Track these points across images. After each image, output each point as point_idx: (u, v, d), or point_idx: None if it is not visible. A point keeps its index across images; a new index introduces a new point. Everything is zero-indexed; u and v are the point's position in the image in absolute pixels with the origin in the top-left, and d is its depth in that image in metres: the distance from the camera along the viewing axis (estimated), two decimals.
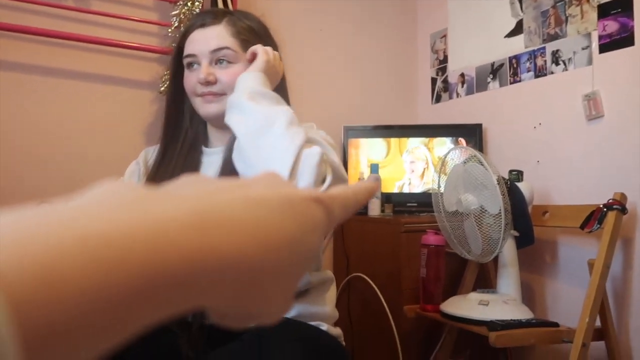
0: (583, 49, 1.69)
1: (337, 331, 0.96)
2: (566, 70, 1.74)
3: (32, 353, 0.14)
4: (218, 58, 0.95)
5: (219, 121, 0.92)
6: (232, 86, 0.90)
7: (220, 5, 1.64)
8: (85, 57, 1.65)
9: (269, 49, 0.97)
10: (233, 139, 0.86)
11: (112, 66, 1.68)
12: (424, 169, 2.06)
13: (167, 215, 0.18)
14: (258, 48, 0.95)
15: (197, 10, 1.65)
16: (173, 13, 1.68)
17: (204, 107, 0.96)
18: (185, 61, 0.98)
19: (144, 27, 1.72)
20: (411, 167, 2.06)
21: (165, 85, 1.02)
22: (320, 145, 0.81)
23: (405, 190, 2.06)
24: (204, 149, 1.02)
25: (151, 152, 1.06)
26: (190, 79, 0.97)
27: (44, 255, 0.15)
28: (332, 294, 0.99)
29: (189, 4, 1.64)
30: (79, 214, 0.17)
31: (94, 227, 0.16)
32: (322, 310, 0.94)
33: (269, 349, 0.75)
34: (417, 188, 2.06)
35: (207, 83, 0.94)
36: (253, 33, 1.00)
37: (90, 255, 0.16)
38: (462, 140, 2.02)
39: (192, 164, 0.98)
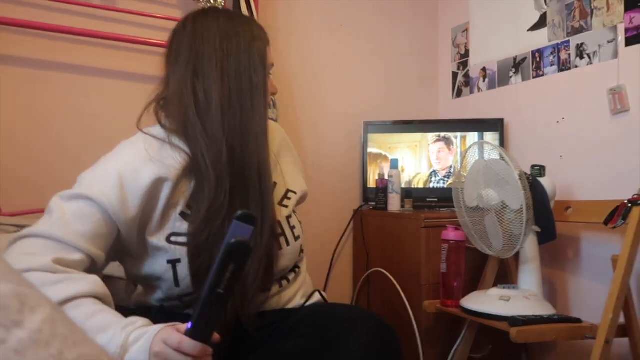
0: (609, 42, 1.66)
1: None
2: (591, 64, 1.71)
3: None
4: None
5: None
6: None
7: (243, 3, 1.66)
8: (113, 54, 1.69)
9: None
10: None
11: (139, 63, 1.72)
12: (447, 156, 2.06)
13: None
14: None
15: (220, 6, 1.67)
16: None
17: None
18: (270, 68, 1.01)
19: (167, 24, 1.75)
20: (437, 156, 2.06)
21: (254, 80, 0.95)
22: None
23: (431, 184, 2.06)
24: None
25: (176, 163, 0.92)
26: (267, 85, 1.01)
27: None
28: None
29: (212, 1, 1.66)
30: None
31: None
32: (309, 278, 1.13)
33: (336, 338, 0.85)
34: (439, 183, 2.06)
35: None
36: None
37: None
38: (472, 135, 2.01)
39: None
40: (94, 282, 0.82)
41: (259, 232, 0.92)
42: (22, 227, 1.30)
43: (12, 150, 1.56)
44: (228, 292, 0.65)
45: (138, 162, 0.90)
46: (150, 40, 1.68)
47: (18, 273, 0.32)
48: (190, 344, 0.70)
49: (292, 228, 1.03)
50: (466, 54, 2.24)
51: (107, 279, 1.21)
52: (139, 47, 1.71)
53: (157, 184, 0.90)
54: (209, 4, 1.67)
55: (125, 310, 0.98)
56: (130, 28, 1.71)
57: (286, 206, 1.04)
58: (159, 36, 1.72)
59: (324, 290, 1.90)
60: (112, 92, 1.69)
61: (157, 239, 0.92)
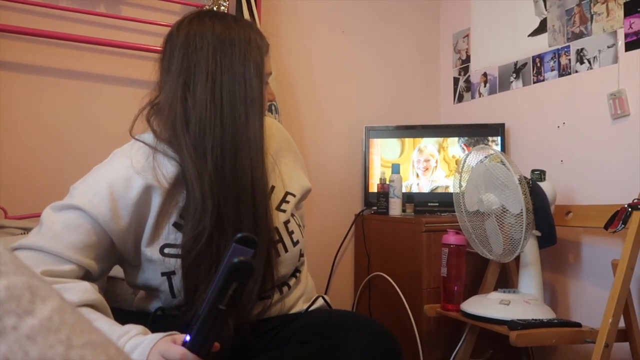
0: (608, 47, 1.67)
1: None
2: (591, 69, 1.72)
3: None
4: None
5: None
6: None
7: (245, 9, 1.68)
8: (118, 61, 1.71)
9: None
10: None
11: (142, 70, 1.74)
12: (434, 167, 2.06)
13: None
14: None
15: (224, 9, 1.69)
16: None
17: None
18: (267, 77, 0.97)
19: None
20: (424, 166, 2.07)
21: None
22: None
23: (414, 189, 2.06)
24: None
25: (168, 167, 0.91)
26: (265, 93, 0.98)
27: None
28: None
29: (214, 7, 1.69)
30: None
31: None
32: (312, 282, 1.12)
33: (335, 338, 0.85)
34: (426, 187, 2.06)
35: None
36: None
37: None
38: (473, 142, 2.02)
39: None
40: (84, 290, 0.82)
41: None
42: (27, 229, 1.32)
43: (16, 155, 1.58)
44: (230, 308, 0.66)
45: (129, 172, 0.89)
46: (153, 47, 1.70)
47: (29, 267, 0.34)
48: (191, 358, 0.70)
49: (291, 233, 1.01)
50: (467, 59, 2.25)
51: (111, 280, 1.22)
52: (143, 53, 1.73)
53: (147, 192, 0.89)
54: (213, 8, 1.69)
55: (127, 313, 0.99)
56: (134, 35, 1.73)
57: (284, 210, 1.02)
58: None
59: (325, 294, 1.91)
60: (116, 98, 1.71)
61: (151, 251, 0.91)
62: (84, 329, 0.33)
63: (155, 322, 0.89)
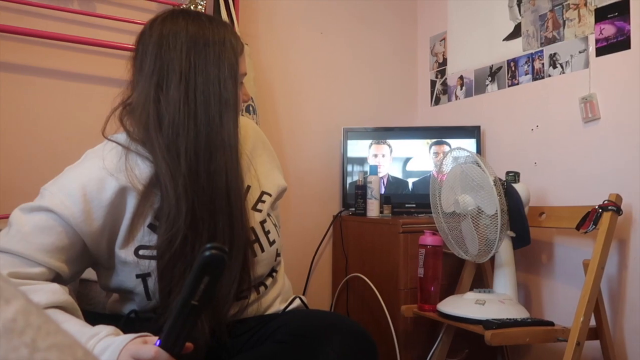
0: (580, 52, 1.71)
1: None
2: (563, 73, 1.76)
3: None
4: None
5: None
6: None
7: (223, 9, 1.66)
8: (98, 60, 1.68)
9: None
10: None
11: (121, 69, 1.71)
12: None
13: None
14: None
15: (201, 9, 1.67)
16: None
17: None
18: (242, 78, 0.97)
19: None
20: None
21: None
22: None
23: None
24: None
25: (144, 170, 0.90)
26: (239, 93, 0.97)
27: None
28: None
29: (192, 7, 1.67)
30: None
31: None
32: (288, 282, 1.13)
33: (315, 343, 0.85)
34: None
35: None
36: None
37: None
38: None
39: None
40: (52, 292, 0.80)
41: (229, 248, 0.89)
42: None
43: None
44: (202, 303, 0.65)
45: (102, 173, 0.87)
46: (129, 46, 1.67)
47: None
48: (165, 357, 0.69)
49: (267, 233, 1.00)
50: (444, 62, 2.28)
51: (84, 283, 1.19)
52: (118, 52, 1.70)
53: (122, 194, 0.88)
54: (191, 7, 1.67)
55: (100, 316, 0.97)
56: (109, 33, 1.70)
57: (260, 210, 1.01)
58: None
59: (303, 295, 1.90)
60: (90, 96, 1.67)
61: (125, 253, 0.89)
62: (50, 331, 0.32)
63: (128, 325, 0.88)
